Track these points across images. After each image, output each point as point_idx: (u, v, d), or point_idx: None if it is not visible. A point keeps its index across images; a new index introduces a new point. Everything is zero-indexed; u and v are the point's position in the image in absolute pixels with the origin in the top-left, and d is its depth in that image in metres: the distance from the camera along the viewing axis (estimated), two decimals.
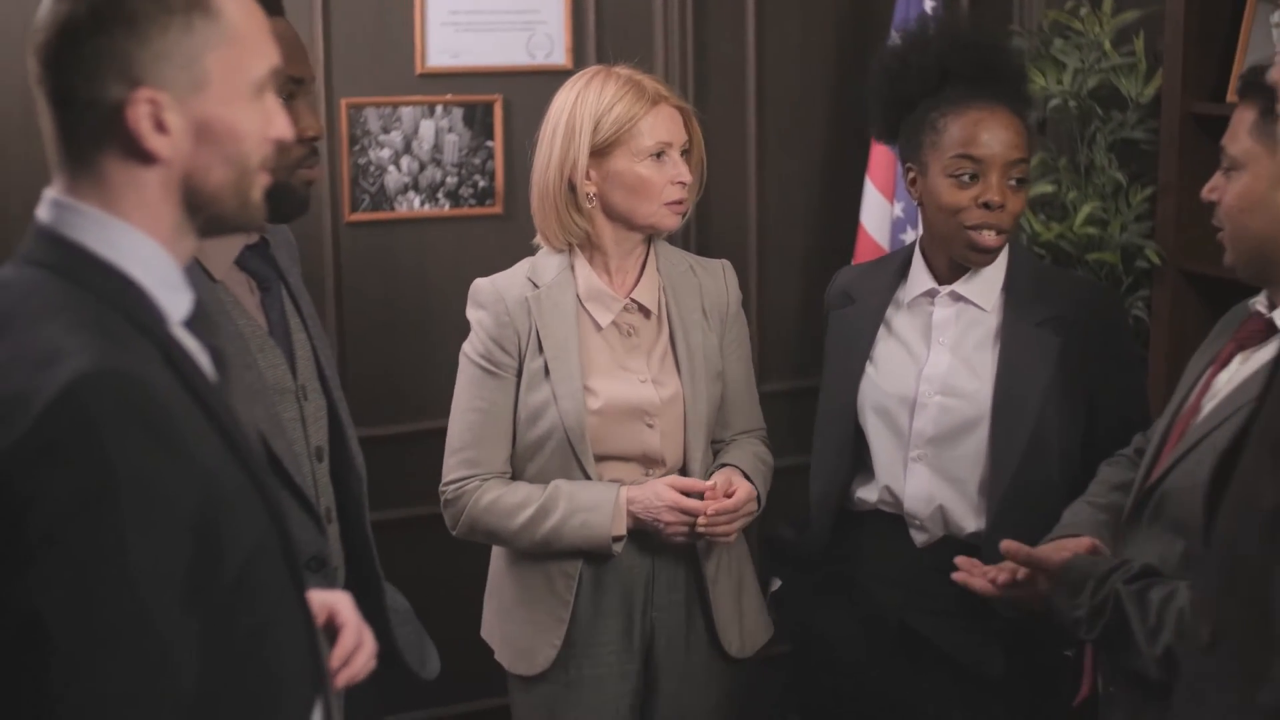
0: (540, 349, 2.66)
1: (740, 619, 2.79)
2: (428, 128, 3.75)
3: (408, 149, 3.74)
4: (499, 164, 3.81)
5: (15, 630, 1.27)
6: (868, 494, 2.75)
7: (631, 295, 2.71)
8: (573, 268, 2.70)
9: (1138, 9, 3.60)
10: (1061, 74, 3.64)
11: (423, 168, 3.76)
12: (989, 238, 2.59)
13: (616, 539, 2.63)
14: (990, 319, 2.67)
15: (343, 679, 1.79)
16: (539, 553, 2.69)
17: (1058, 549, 2.29)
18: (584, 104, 2.63)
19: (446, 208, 3.81)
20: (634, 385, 2.68)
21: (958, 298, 2.68)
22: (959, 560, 2.41)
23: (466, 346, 2.73)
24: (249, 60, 1.47)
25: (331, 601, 1.84)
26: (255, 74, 1.48)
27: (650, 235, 2.73)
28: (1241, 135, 2.11)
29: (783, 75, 4.10)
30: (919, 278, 2.72)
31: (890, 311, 2.76)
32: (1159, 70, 3.50)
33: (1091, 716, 2.37)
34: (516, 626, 2.75)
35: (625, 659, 2.73)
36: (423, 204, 3.78)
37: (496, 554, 2.83)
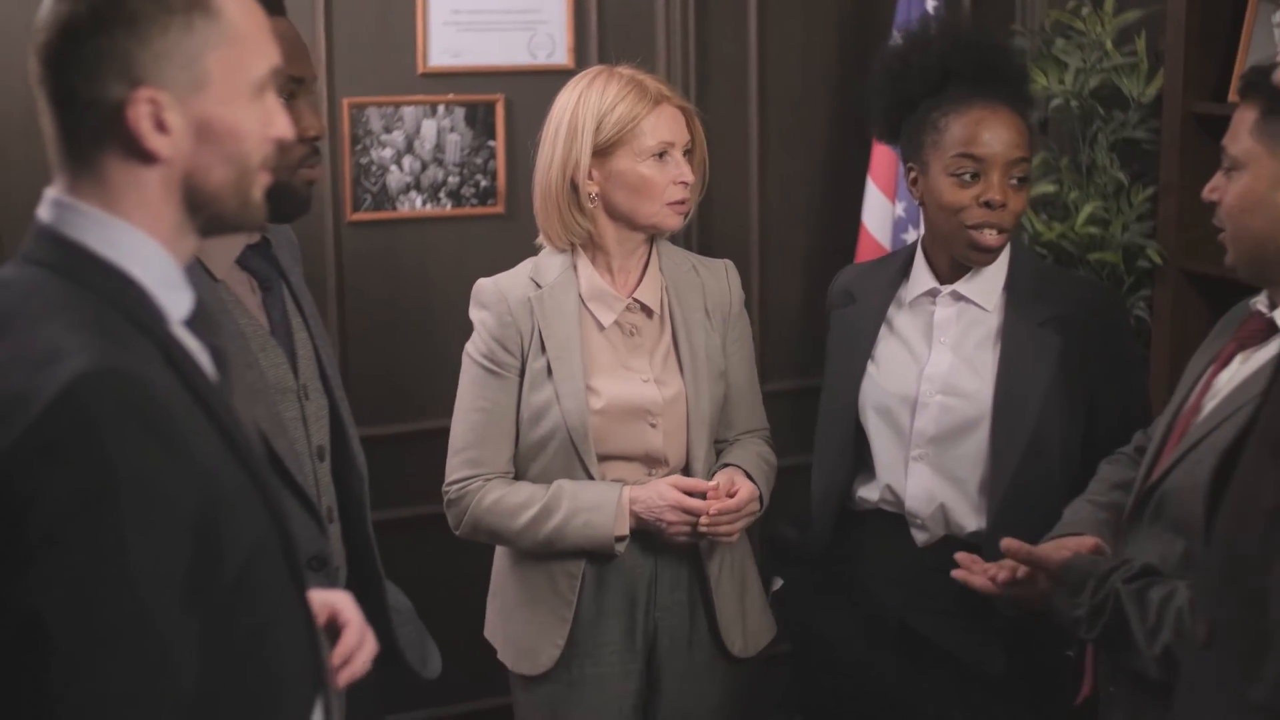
0: (543, 349, 2.66)
1: (743, 619, 2.79)
2: (430, 127, 3.75)
3: (410, 149, 3.74)
4: (501, 164, 3.81)
5: (15, 630, 1.27)
6: (869, 493, 2.75)
7: (634, 295, 2.71)
8: (575, 267, 2.70)
9: (1139, 9, 3.60)
10: (1063, 74, 3.64)
11: (424, 167, 3.76)
12: (990, 237, 2.59)
13: (619, 539, 2.63)
14: (991, 319, 2.67)
15: (343, 678, 1.79)
16: (542, 552, 2.69)
17: (1058, 548, 2.29)
18: (586, 104, 2.63)
19: (448, 207, 3.81)
20: (636, 385, 2.68)
21: (959, 297, 2.68)
22: (959, 557, 2.41)
23: (469, 346, 2.73)
24: (249, 60, 1.47)
25: (333, 601, 1.84)
26: (256, 74, 1.48)
27: (653, 235, 2.73)
28: (1242, 135, 2.11)
29: (784, 75, 4.10)
30: (920, 277, 2.72)
31: (892, 311, 2.76)
32: (1160, 70, 3.50)
33: (1092, 716, 2.37)
34: (519, 626, 2.75)
35: (628, 659, 2.73)
36: (424, 204, 3.78)
37: (500, 554, 2.84)
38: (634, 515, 2.63)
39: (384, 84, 3.70)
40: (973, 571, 2.38)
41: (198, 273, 2.10)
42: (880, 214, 3.87)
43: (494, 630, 2.83)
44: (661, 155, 2.64)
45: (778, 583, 2.92)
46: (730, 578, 2.77)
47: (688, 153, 2.69)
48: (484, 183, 3.82)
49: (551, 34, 3.82)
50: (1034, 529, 2.39)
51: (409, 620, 2.49)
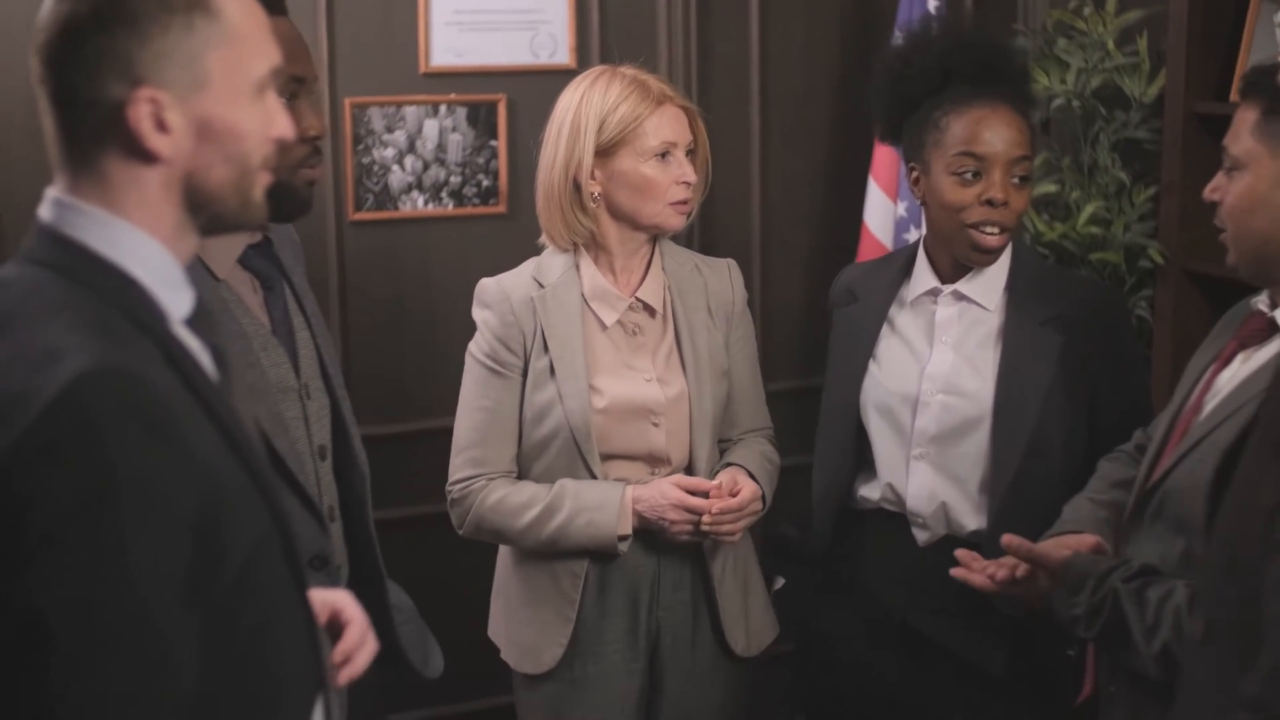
0: (545, 348, 2.66)
1: (746, 618, 2.79)
2: (431, 127, 3.75)
3: (411, 148, 3.74)
4: (503, 163, 3.82)
5: (15, 630, 1.28)
6: (870, 492, 2.75)
7: (636, 294, 2.71)
8: (578, 267, 2.70)
9: (1141, 9, 3.60)
10: (1065, 74, 3.64)
11: (426, 167, 3.76)
12: (991, 238, 2.59)
13: (622, 538, 2.63)
14: (993, 318, 2.67)
15: (343, 678, 1.79)
16: (545, 552, 2.69)
17: (1059, 546, 2.29)
18: (589, 104, 2.63)
19: (450, 207, 3.81)
20: (639, 384, 2.68)
21: (960, 297, 2.68)
22: (959, 554, 2.41)
23: (472, 346, 2.73)
24: (250, 59, 1.47)
25: (334, 600, 1.84)
26: (256, 73, 1.48)
27: (655, 235, 2.74)
28: (1244, 135, 2.11)
29: (786, 74, 4.10)
30: (922, 276, 2.72)
31: (893, 310, 2.76)
32: (1162, 70, 3.50)
33: (1093, 716, 2.37)
34: (522, 625, 2.76)
35: (630, 658, 2.73)
36: (426, 203, 3.78)
37: (503, 553, 2.84)
38: (637, 515, 2.63)
39: (386, 84, 3.71)
40: (972, 569, 2.38)
41: (199, 272, 2.10)
42: (882, 214, 3.87)
43: (497, 629, 2.84)
44: (664, 155, 2.64)
45: (779, 582, 2.92)
46: (733, 577, 2.78)
47: (690, 153, 2.69)
48: (486, 182, 3.82)
49: (553, 34, 3.82)
50: (1035, 528, 2.39)
51: (411, 619, 2.49)
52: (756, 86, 4.06)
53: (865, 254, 3.82)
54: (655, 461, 2.70)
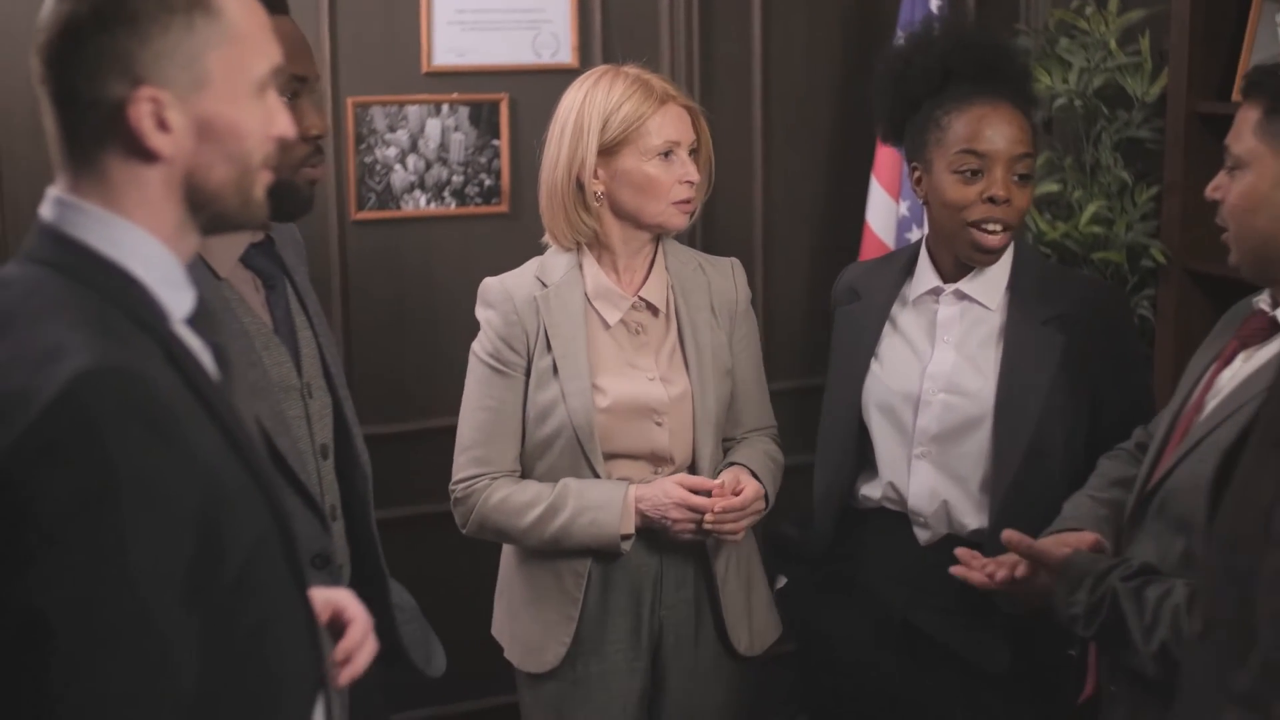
0: (549, 347, 2.66)
1: (749, 617, 2.80)
2: (434, 126, 3.75)
3: (414, 148, 3.74)
4: (505, 163, 3.82)
5: (16, 629, 1.28)
6: (872, 491, 2.75)
7: (639, 293, 2.71)
8: (581, 266, 2.70)
9: (1143, 8, 3.60)
10: (1067, 73, 3.63)
11: (429, 166, 3.77)
12: (993, 237, 2.59)
13: (625, 537, 2.63)
14: (995, 317, 2.67)
15: (345, 677, 1.79)
16: (548, 551, 2.69)
17: (1058, 543, 2.30)
18: (592, 103, 2.64)
19: (452, 206, 3.81)
20: (642, 383, 2.68)
21: (962, 296, 2.68)
22: (959, 552, 2.41)
23: (475, 345, 2.73)
24: (250, 59, 1.48)
25: (336, 599, 1.84)
26: (257, 72, 1.48)
27: (658, 234, 2.74)
28: (1245, 134, 2.11)
29: (788, 74, 4.10)
30: (924, 275, 2.72)
31: (896, 309, 2.76)
32: (1164, 69, 3.50)
33: (1094, 715, 2.37)
34: (526, 624, 2.76)
35: (633, 656, 2.73)
36: (429, 203, 3.78)
37: (507, 552, 2.84)
38: (639, 514, 2.63)
39: (388, 83, 3.71)
40: (972, 567, 2.38)
41: (201, 271, 2.10)
42: (884, 213, 3.87)
43: (501, 628, 2.84)
44: (667, 154, 2.64)
45: (781, 581, 2.92)
46: (736, 576, 2.78)
47: (693, 152, 2.69)
48: (488, 182, 3.82)
49: (556, 33, 3.82)
50: (1036, 527, 2.39)
51: (413, 618, 2.49)
52: (759, 86, 4.06)
53: (867, 253, 3.82)
54: (658, 461, 2.70)
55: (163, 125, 1.42)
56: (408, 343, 3.83)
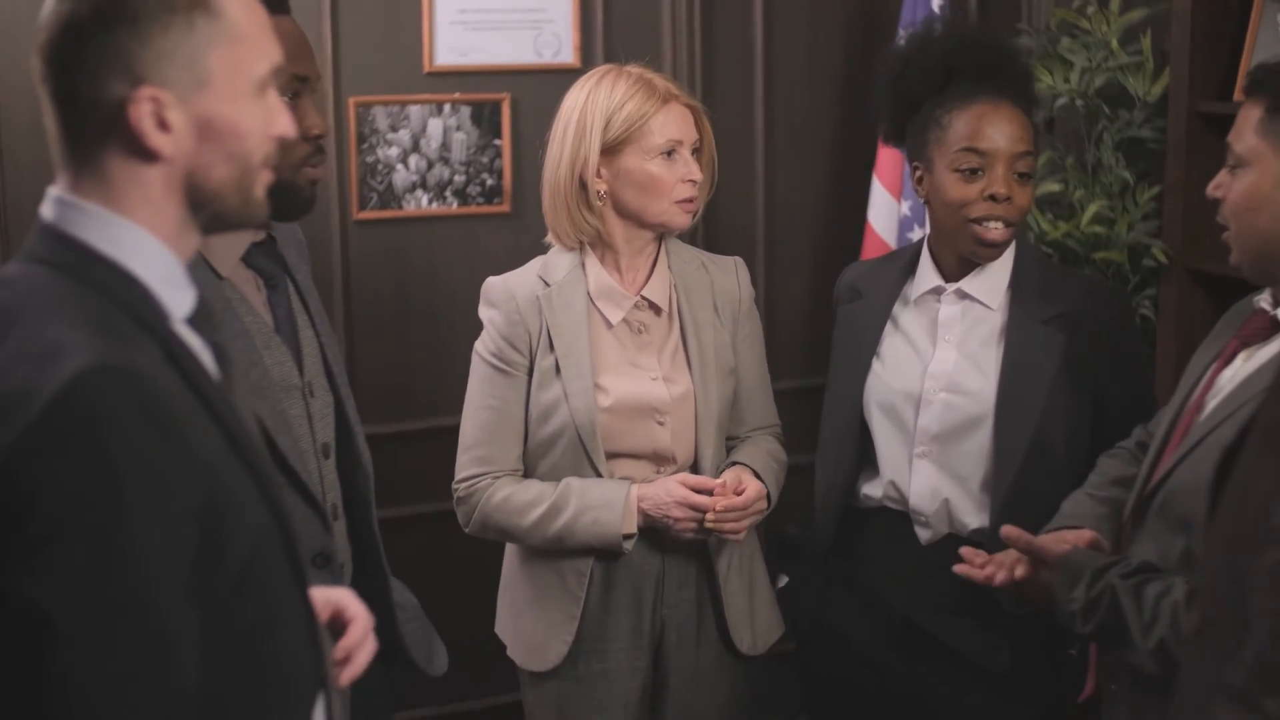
0: (551, 347, 2.66)
1: (751, 616, 2.80)
2: (436, 126, 3.75)
3: (416, 147, 3.74)
4: (506, 163, 3.82)
5: (18, 625, 1.28)
6: (873, 490, 2.75)
7: (642, 293, 2.71)
8: (584, 266, 2.71)
9: (1145, 8, 3.60)
10: (1069, 73, 3.63)
11: (431, 166, 3.77)
12: (995, 230, 2.59)
13: (627, 537, 2.63)
14: (996, 317, 2.67)
15: (345, 677, 1.79)
16: (551, 549, 2.70)
17: (1057, 540, 2.30)
18: (595, 102, 2.64)
19: (454, 206, 3.81)
20: (645, 383, 2.68)
21: (964, 295, 2.68)
22: (963, 551, 2.41)
23: (478, 345, 2.74)
24: (251, 58, 1.48)
25: (336, 597, 1.84)
26: (257, 72, 1.49)
27: (661, 233, 2.74)
28: (1247, 133, 2.11)
29: (790, 74, 4.11)
30: (926, 275, 2.73)
31: (897, 308, 2.76)
32: (1166, 69, 3.50)
33: (1095, 714, 2.37)
34: (528, 623, 2.76)
35: (635, 655, 2.74)
36: (430, 202, 3.79)
37: (510, 551, 2.84)
38: (641, 513, 2.63)
39: (390, 83, 3.71)
40: (974, 564, 2.38)
41: (203, 270, 2.10)
42: (886, 213, 3.87)
43: (504, 626, 2.84)
44: (670, 153, 2.64)
45: (782, 580, 2.93)
46: (739, 575, 2.78)
47: (696, 151, 2.69)
48: (490, 181, 3.82)
49: (557, 33, 3.83)
50: (1037, 527, 2.39)
51: (415, 617, 2.49)
52: (760, 86, 4.06)
53: (869, 253, 3.82)
54: (660, 460, 2.70)
55: (163, 125, 1.43)
56: (410, 342, 3.83)
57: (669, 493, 2.62)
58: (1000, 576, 2.31)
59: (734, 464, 2.75)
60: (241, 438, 1.48)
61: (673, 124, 2.64)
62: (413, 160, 3.75)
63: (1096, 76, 3.61)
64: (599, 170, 2.64)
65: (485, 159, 3.81)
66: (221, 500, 1.39)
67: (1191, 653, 1.74)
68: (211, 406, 1.45)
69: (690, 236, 3.71)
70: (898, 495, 2.71)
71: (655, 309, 2.73)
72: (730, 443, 2.81)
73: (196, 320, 1.51)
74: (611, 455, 2.68)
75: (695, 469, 2.72)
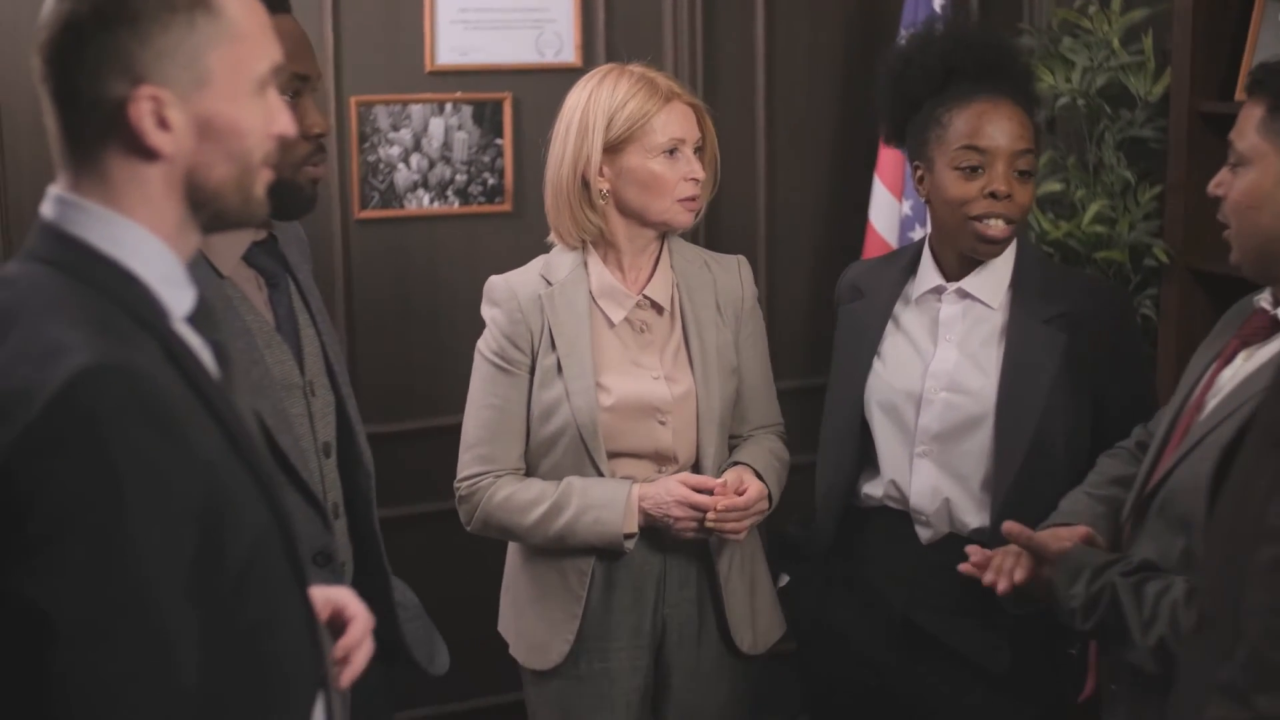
0: (553, 346, 2.66)
1: (753, 616, 2.80)
2: (437, 125, 3.75)
3: (417, 147, 3.74)
4: (508, 162, 3.82)
5: (18, 624, 1.28)
6: (874, 489, 2.75)
7: (644, 292, 2.71)
8: (586, 265, 2.71)
9: (1146, 7, 3.59)
10: (1070, 72, 3.63)
11: (432, 165, 3.77)
12: (996, 227, 2.59)
13: (628, 536, 2.64)
14: (997, 316, 2.67)
15: (345, 677, 1.79)
16: (552, 548, 2.70)
17: (1055, 538, 2.30)
18: (597, 101, 2.64)
19: (456, 205, 3.81)
20: (646, 382, 2.68)
21: (965, 294, 2.68)
22: (970, 550, 2.41)
23: (481, 344, 2.74)
24: (251, 57, 1.48)
25: (336, 596, 1.85)
26: (258, 71, 1.49)
27: (664, 232, 2.74)
28: (1249, 131, 2.11)
29: (792, 73, 4.11)
30: (927, 274, 2.73)
31: (898, 307, 2.76)
32: (1167, 69, 3.50)
33: (1095, 714, 2.37)
34: (530, 622, 2.76)
35: (636, 655, 2.74)
36: (432, 201, 3.79)
37: (512, 550, 2.85)
38: (642, 512, 2.63)
39: (392, 82, 3.71)
40: (979, 564, 2.38)
41: (203, 269, 2.10)
42: (887, 212, 3.87)
43: (506, 625, 2.85)
44: (672, 152, 2.64)
45: (783, 579, 2.93)
46: (740, 575, 2.78)
47: (698, 150, 2.69)
48: (491, 181, 3.82)
49: (559, 32, 3.83)
50: (1037, 526, 2.39)
51: (416, 616, 2.49)
52: (762, 85, 4.06)
53: (870, 252, 3.82)
54: (662, 459, 2.70)
55: (163, 124, 1.43)
56: (411, 341, 3.83)
57: (669, 492, 2.62)
58: (1002, 586, 2.31)
59: (736, 463, 2.75)
60: (241, 437, 1.48)
61: (675, 122, 2.64)
62: (414, 159, 3.75)
63: (1098, 76, 3.61)
64: (601, 169, 2.64)
65: (487, 158, 3.81)
66: (221, 500, 1.39)
67: (1190, 651, 1.74)
68: (211, 406, 1.45)
69: (692, 236, 3.71)
70: (898, 495, 2.71)
71: (657, 308, 2.73)
72: (733, 441, 2.81)
73: (196, 319, 1.52)
74: (613, 454, 2.68)
75: (697, 468, 2.72)
